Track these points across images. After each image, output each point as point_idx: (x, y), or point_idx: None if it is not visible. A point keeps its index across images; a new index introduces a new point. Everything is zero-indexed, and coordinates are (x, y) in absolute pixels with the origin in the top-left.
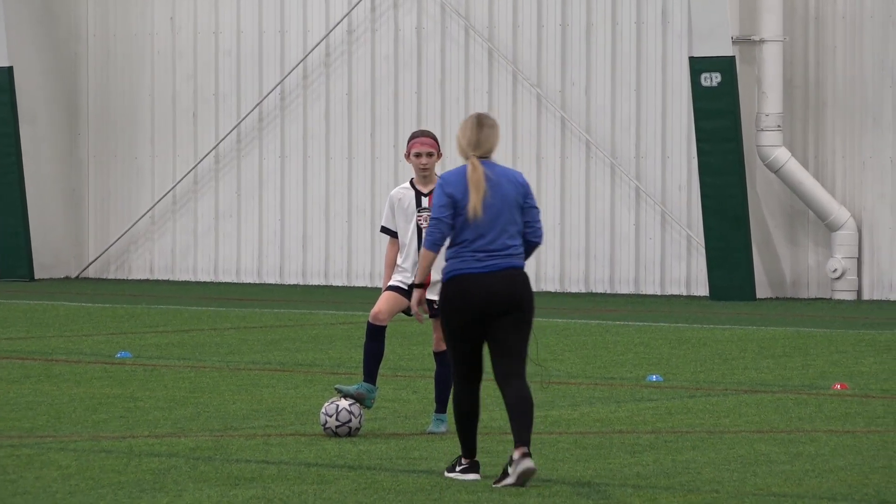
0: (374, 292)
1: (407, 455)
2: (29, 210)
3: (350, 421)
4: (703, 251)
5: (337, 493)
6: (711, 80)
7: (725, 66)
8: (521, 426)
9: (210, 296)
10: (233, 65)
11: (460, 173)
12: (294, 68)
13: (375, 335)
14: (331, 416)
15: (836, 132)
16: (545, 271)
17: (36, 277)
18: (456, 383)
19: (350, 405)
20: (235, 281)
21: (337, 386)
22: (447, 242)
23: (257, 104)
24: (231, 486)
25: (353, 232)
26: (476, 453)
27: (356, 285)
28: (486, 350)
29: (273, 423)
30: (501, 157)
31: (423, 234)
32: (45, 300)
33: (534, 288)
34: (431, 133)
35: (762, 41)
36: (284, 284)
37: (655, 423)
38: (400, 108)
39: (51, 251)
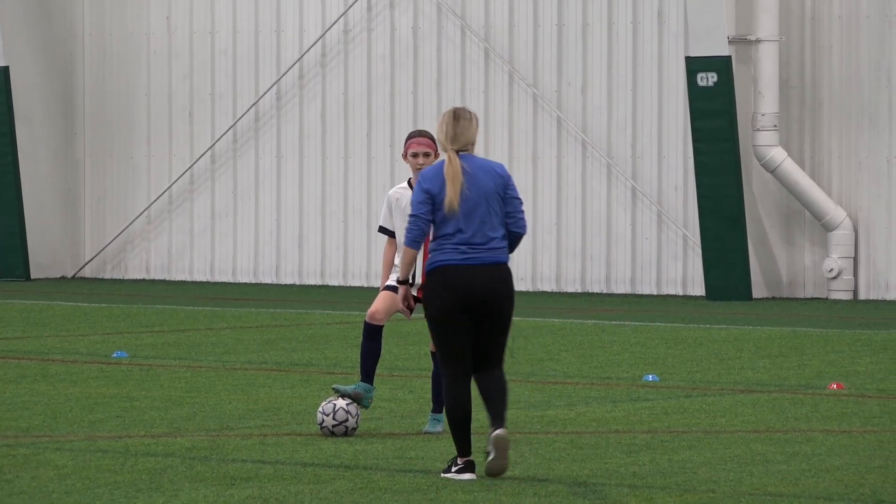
0: (370, 292)
1: (403, 455)
2: (25, 210)
3: (347, 420)
4: (700, 251)
5: (333, 492)
6: (708, 79)
7: (722, 65)
8: (497, 407)
9: (206, 295)
10: (229, 64)
11: (438, 168)
12: (290, 68)
13: (372, 335)
14: (328, 416)
15: (833, 132)
16: (541, 271)
17: (32, 277)
18: (446, 384)
19: (347, 405)
20: (232, 281)
21: (334, 386)
22: (431, 237)
23: (253, 104)
24: (227, 485)
25: (350, 232)
26: (471, 452)
27: (352, 285)
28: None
29: (269, 423)
30: (498, 156)
31: (405, 231)
32: (42, 300)
33: (530, 288)
34: (429, 133)
35: (758, 41)
36: (281, 284)
37: (652, 422)
38: (396, 108)
39: (47, 251)
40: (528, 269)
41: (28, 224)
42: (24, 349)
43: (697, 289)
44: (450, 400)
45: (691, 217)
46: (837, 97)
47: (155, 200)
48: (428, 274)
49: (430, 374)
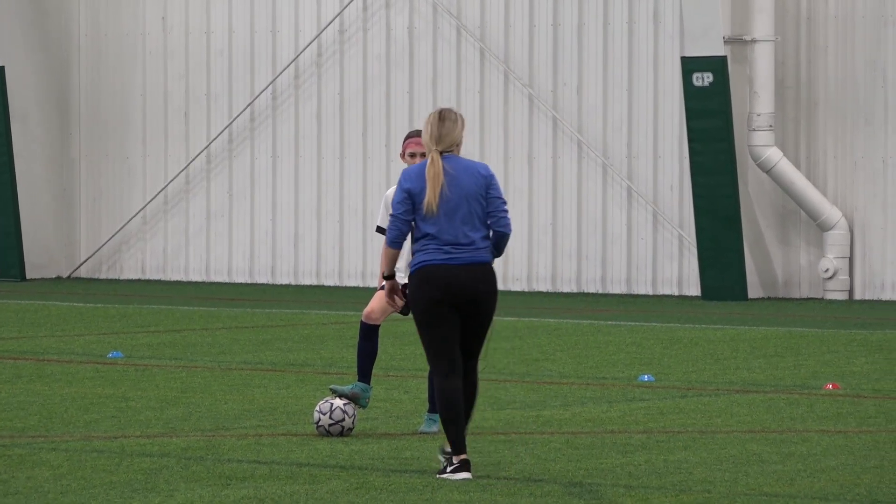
0: (365, 292)
1: (399, 455)
2: (20, 209)
3: (343, 420)
4: (695, 251)
5: (329, 492)
6: (703, 79)
7: (717, 65)
8: (466, 411)
9: (202, 296)
10: (224, 64)
11: (420, 168)
12: (286, 68)
13: (369, 335)
14: (324, 414)
15: (828, 132)
16: (537, 271)
17: (27, 277)
18: (437, 380)
19: (344, 405)
20: (227, 281)
21: (332, 386)
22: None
23: (249, 104)
24: (223, 485)
25: (345, 232)
26: (466, 449)
27: (348, 285)
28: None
29: (264, 423)
30: (494, 156)
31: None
32: (37, 300)
33: (526, 288)
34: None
35: (754, 41)
36: (276, 284)
37: (647, 422)
38: (392, 108)
39: (42, 251)
40: (523, 268)
41: (23, 224)
42: (20, 349)
43: (693, 289)
44: (442, 397)
45: (687, 217)
46: (833, 97)
47: (150, 200)
48: (411, 275)
49: (425, 374)
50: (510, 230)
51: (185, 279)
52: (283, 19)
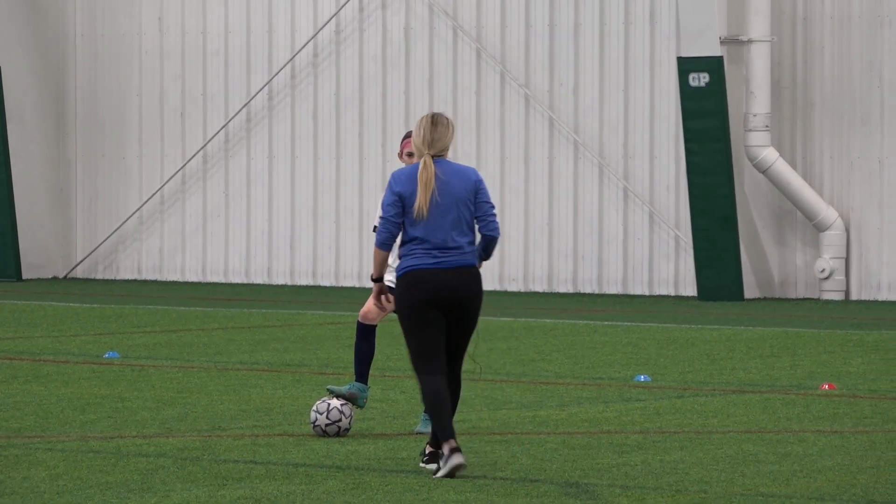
0: (362, 292)
1: (395, 455)
2: (17, 210)
3: (340, 420)
4: (692, 251)
5: (325, 493)
6: (699, 80)
7: (713, 66)
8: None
9: (198, 296)
10: (220, 65)
11: (411, 171)
12: (282, 68)
13: (365, 335)
14: (321, 414)
15: (824, 132)
16: (533, 271)
17: (24, 277)
18: (421, 378)
19: (342, 405)
20: (223, 281)
21: (329, 387)
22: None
23: (245, 104)
24: (219, 486)
25: (342, 232)
26: (455, 435)
27: (344, 285)
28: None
29: (261, 424)
30: (490, 156)
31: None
32: (33, 300)
33: (522, 288)
34: None
35: (750, 41)
36: (272, 284)
37: (643, 423)
38: (388, 109)
39: (39, 251)
40: (519, 269)
41: (20, 224)
42: (16, 349)
43: (689, 289)
44: (428, 391)
45: (683, 217)
46: (829, 97)
47: (147, 201)
48: (399, 279)
49: None
50: (499, 234)
51: (181, 279)
52: (279, 20)
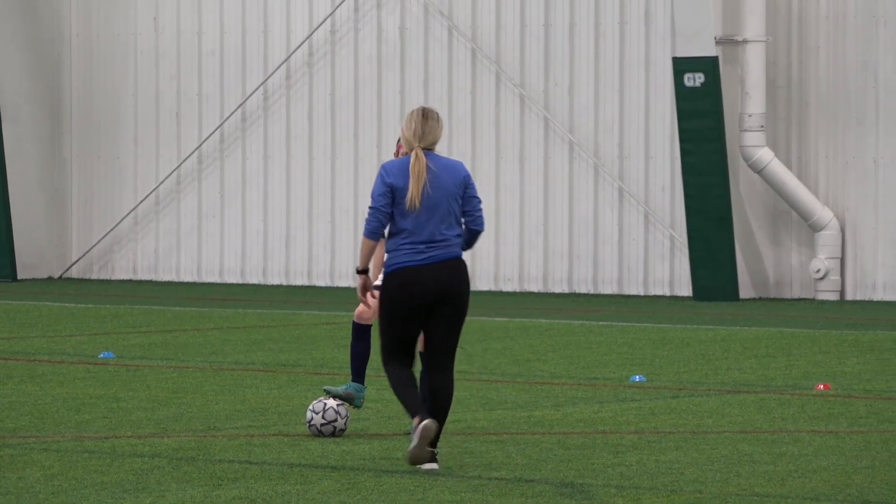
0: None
1: (390, 455)
2: (12, 210)
3: (336, 420)
4: (687, 251)
5: (320, 493)
6: (694, 80)
7: (708, 66)
8: (438, 410)
9: (193, 296)
10: (216, 65)
11: (402, 163)
12: (277, 68)
13: (361, 335)
14: (317, 414)
15: (820, 132)
16: (528, 271)
17: (19, 277)
18: (387, 368)
19: (338, 405)
20: (219, 281)
21: (325, 387)
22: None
23: (240, 104)
24: (214, 486)
25: (337, 232)
26: (424, 410)
27: (340, 285)
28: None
29: (256, 424)
30: (485, 156)
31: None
32: (28, 300)
33: (517, 288)
34: None
35: (745, 41)
36: (268, 285)
37: (639, 423)
38: (383, 109)
39: (34, 251)
40: (515, 269)
41: (15, 224)
42: (11, 350)
43: (684, 289)
44: (393, 375)
45: (678, 217)
46: (824, 97)
47: (142, 201)
48: (386, 275)
49: (417, 375)
50: (484, 228)
51: (176, 279)
52: (274, 20)
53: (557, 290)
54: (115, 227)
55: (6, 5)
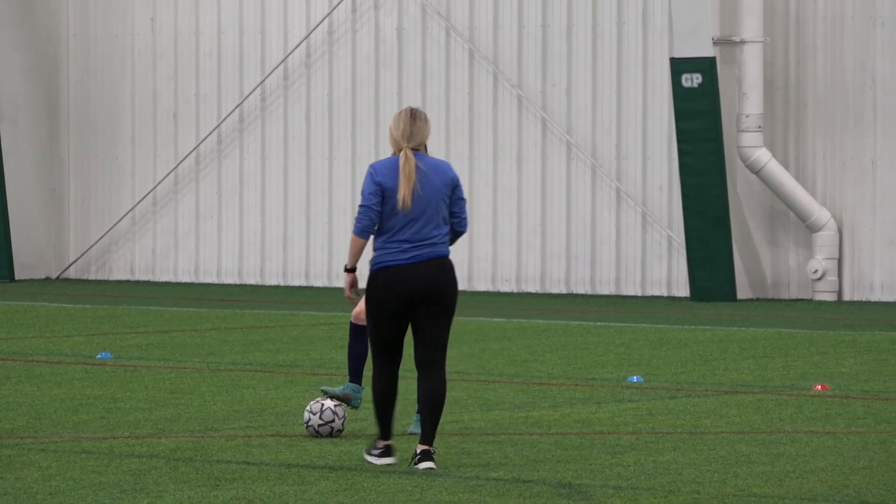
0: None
1: None
2: (9, 210)
3: (333, 421)
4: (684, 252)
5: (318, 493)
6: (692, 80)
7: (706, 66)
8: (429, 423)
9: (191, 296)
10: (213, 65)
11: (392, 163)
12: (275, 69)
13: (358, 335)
14: (314, 414)
15: (817, 133)
16: (526, 272)
17: (16, 278)
18: (375, 365)
19: (335, 406)
20: (216, 282)
21: (323, 388)
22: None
23: (238, 105)
24: (212, 486)
25: (334, 232)
26: (391, 436)
27: (337, 286)
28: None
29: (254, 424)
30: (483, 157)
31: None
32: (26, 301)
33: (514, 289)
34: None
35: (743, 42)
36: (265, 285)
37: (636, 423)
38: (381, 109)
39: (31, 251)
40: (512, 269)
41: (12, 224)
42: (9, 350)
43: (682, 290)
44: (375, 389)
45: (676, 218)
46: (822, 98)
47: (139, 201)
48: (372, 274)
49: (414, 376)
50: (467, 229)
51: (173, 280)
52: (271, 20)
53: (555, 290)
54: (112, 228)
55: (4, 5)
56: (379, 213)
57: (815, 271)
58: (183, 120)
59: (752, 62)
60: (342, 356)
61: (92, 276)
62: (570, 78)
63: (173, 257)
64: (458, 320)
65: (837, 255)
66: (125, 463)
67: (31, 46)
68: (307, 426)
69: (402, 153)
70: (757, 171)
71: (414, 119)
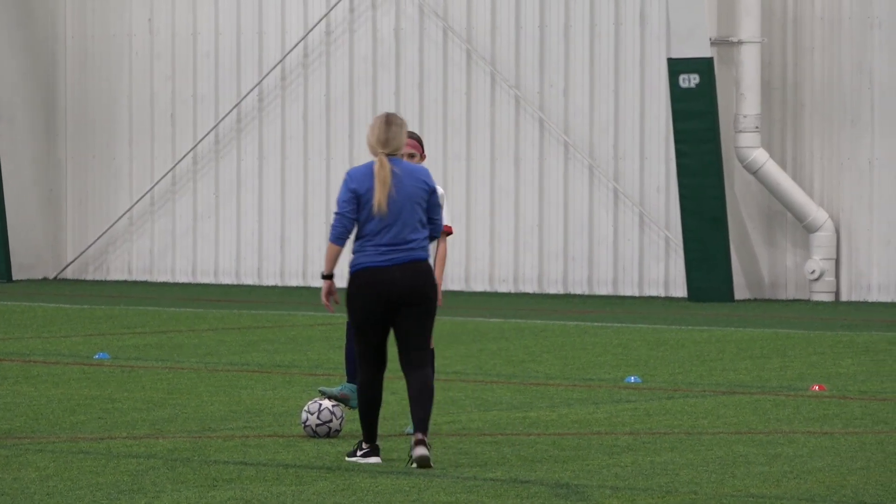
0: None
1: (385, 456)
2: (7, 210)
3: (331, 421)
4: (682, 252)
5: (315, 494)
6: (689, 81)
7: (703, 67)
8: (420, 415)
9: (188, 297)
10: (211, 66)
11: (367, 168)
12: (272, 69)
13: None
14: (312, 414)
15: (815, 133)
16: (523, 272)
17: (14, 278)
18: (361, 378)
19: (333, 406)
20: (213, 282)
21: (321, 388)
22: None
23: (235, 105)
24: (209, 487)
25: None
26: (377, 438)
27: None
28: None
29: (251, 425)
30: (480, 157)
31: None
32: (23, 301)
33: (512, 289)
34: (415, 134)
35: (740, 42)
36: (262, 285)
37: (633, 424)
38: (378, 110)
39: (29, 252)
40: (510, 270)
41: (10, 225)
42: (6, 350)
43: (679, 290)
44: (362, 393)
45: (673, 218)
46: (819, 99)
47: (137, 202)
48: (351, 276)
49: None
50: (440, 233)
51: (171, 280)
52: (269, 21)
53: (552, 290)
54: (110, 228)
55: (1, 6)
56: (353, 220)
57: (813, 272)
58: (180, 120)
59: (749, 63)
60: (340, 357)
61: (89, 277)
62: (568, 78)
63: (171, 258)
64: (455, 320)
65: (835, 256)
66: (123, 463)
67: (28, 47)
68: (304, 426)
69: (377, 159)
70: (754, 172)
71: (389, 125)
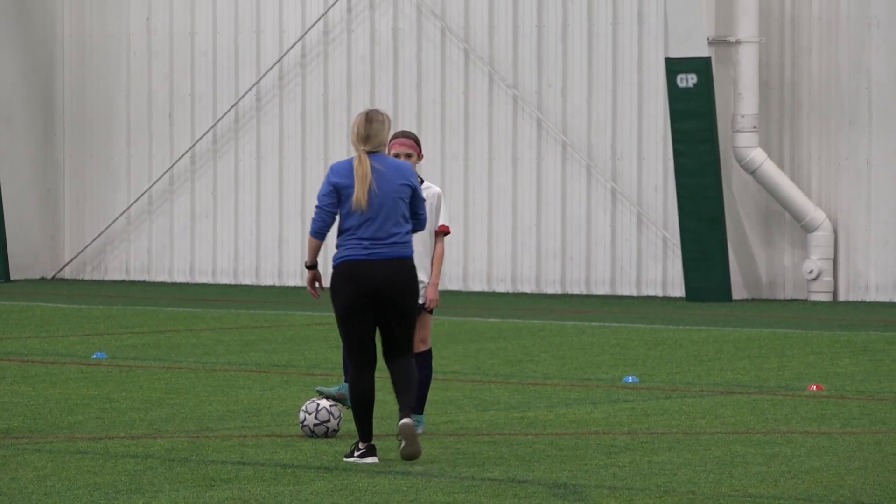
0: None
1: (383, 456)
2: (4, 210)
3: (329, 421)
4: (679, 252)
5: (313, 494)
6: (687, 81)
7: (701, 67)
8: (406, 398)
9: (186, 297)
10: (209, 65)
11: (349, 164)
12: (270, 69)
13: None
14: (310, 414)
15: (812, 133)
16: (521, 272)
17: (12, 278)
18: (352, 374)
19: (331, 406)
20: (211, 282)
21: (318, 388)
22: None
23: (233, 105)
24: (207, 487)
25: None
26: (372, 437)
27: None
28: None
29: (249, 425)
30: (478, 157)
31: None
32: (21, 301)
33: (510, 289)
34: (413, 134)
35: (738, 42)
36: (260, 285)
37: (631, 424)
38: None
39: (27, 252)
40: (507, 270)
41: (7, 225)
42: (4, 350)
43: (677, 290)
44: (354, 389)
45: (671, 218)
46: (817, 99)
47: (135, 201)
48: (334, 269)
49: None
50: (425, 227)
51: (169, 280)
52: (267, 20)
53: (550, 290)
54: (107, 228)
55: None
56: (333, 213)
57: (811, 272)
58: (178, 120)
59: (747, 63)
60: (337, 356)
61: (87, 276)
62: (566, 78)
63: (169, 257)
64: (453, 320)
65: (832, 256)
66: (120, 463)
67: (26, 46)
68: (302, 426)
69: (356, 156)
70: (752, 172)
71: (369, 122)
